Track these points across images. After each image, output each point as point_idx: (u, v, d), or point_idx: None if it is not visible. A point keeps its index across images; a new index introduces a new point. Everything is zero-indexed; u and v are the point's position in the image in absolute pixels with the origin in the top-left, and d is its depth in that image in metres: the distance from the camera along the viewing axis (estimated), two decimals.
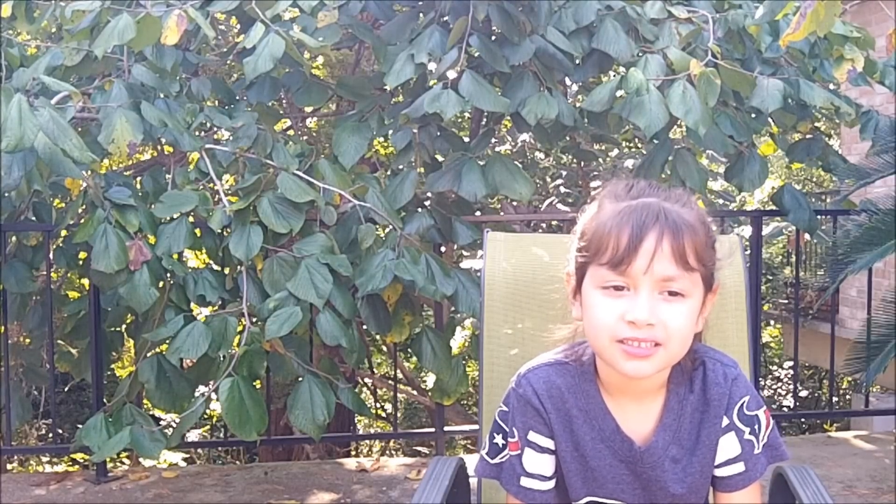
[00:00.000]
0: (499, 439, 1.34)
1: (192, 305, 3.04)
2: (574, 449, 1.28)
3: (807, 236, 4.07)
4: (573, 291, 1.27)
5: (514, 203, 4.80)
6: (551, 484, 1.32)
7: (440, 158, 3.42)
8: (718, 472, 1.29)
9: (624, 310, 1.16)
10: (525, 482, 1.31)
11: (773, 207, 3.66)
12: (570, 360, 1.31)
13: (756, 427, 1.29)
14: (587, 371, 1.29)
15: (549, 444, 1.30)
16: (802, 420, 8.64)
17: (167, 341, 2.86)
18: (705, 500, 1.33)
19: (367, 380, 6.77)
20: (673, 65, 3.03)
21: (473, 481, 1.75)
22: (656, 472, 1.26)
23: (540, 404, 1.29)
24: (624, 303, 1.17)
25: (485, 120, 3.74)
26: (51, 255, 3.35)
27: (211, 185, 3.12)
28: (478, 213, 3.88)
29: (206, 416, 7.65)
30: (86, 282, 3.57)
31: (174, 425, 3.09)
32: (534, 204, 5.81)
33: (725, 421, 1.27)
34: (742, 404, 1.28)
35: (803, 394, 9.92)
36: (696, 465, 1.27)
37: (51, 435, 5.26)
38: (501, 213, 4.82)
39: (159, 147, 3.56)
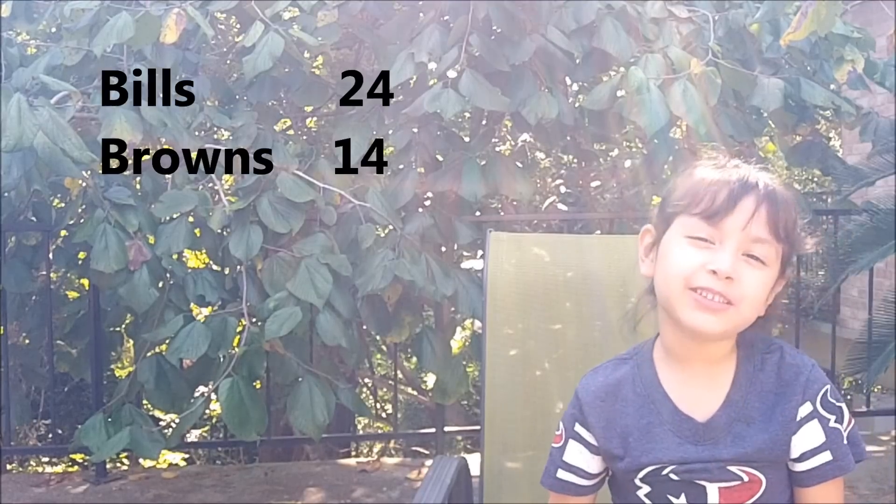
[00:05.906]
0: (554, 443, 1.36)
1: (192, 305, 3.04)
2: (635, 430, 1.27)
3: None
4: (648, 248, 1.29)
5: (515, 203, 4.78)
6: (592, 482, 1.32)
7: (440, 158, 3.41)
8: (801, 466, 1.24)
9: (706, 259, 1.18)
10: (562, 475, 1.32)
11: None
12: (629, 354, 1.33)
13: (840, 417, 1.25)
14: (646, 358, 1.31)
15: (592, 439, 1.30)
16: None
17: (167, 341, 2.86)
18: (781, 492, 1.26)
19: (367, 380, 6.76)
20: (673, 64, 3.02)
21: (475, 481, 1.75)
22: (718, 448, 1.23)
23: (588, 400, 1.30)
24: (707, 254, 1.19)
25: (485, 120, 3.73)
26: (50, 255, 3.34)
27: (210, 184, 3.12)
28: (478, 213, 3.87)
29: (205, 417, 7.63)
30: (85, 282, 3.57)
31: (174, 425, 3.08)
32: (534, 204, 5.79)
33: (808, 408, 1.23)
34: (825, 392, 1.25)
35: None
36: (766, 441, 1.23)
37: (50, 435, 5.26)
38: (502, 213, 4.80)
39: (159, 147, 3.55)
